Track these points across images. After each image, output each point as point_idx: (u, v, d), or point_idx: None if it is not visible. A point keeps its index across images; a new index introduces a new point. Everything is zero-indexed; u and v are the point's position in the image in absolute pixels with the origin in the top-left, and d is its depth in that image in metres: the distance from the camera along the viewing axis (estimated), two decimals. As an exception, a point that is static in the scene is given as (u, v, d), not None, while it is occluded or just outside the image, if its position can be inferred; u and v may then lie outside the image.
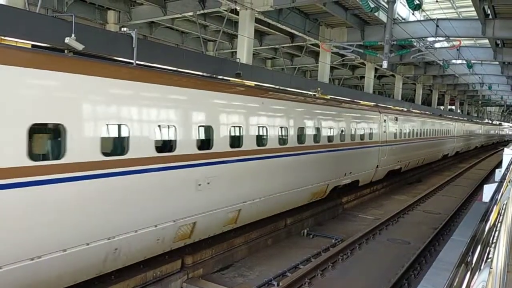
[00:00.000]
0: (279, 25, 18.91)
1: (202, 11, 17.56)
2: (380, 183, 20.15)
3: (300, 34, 20.52)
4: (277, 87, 14.40)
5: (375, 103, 21.44)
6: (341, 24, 21.40)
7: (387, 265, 10.23)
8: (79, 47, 8.34)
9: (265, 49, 27.22)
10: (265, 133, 10.77)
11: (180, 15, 18.78)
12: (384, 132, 19.10)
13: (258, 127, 10.57)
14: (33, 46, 7.78)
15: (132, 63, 9.03)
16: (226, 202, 9.51)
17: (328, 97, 16.32)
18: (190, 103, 8.50)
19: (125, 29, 10.10)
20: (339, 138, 14.55)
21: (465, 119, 45.93)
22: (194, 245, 9.30)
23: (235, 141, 9.75)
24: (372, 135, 17.61)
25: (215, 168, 8.99)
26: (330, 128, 14.09)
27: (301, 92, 14.68)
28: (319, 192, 13.88)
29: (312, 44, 24.33)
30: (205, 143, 8.82)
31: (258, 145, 10.47)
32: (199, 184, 8.57)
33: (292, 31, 20.13)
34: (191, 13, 18.07)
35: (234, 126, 9.69)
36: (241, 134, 9.88)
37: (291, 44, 24.41)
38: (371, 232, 12.59)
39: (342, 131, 14.83)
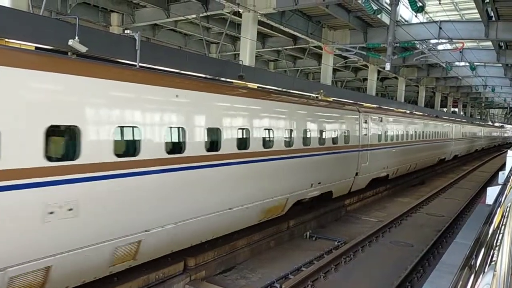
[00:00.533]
0: (281, 27, 18.93)
1: (205, 14, 17.61)
2: (382, 185, 20.09)
3: (302, 36, 20.54)
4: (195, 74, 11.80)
5: (354, 102, 19.17)
6: (344, 26, 21.40)
7: (390, 268, 10.20)
8: (83, 49, 8.38)
9: (268, 51, 27.27)
10: (181, 136, 8.03)
11: (183, 18, 18.83)
12: (365, 134, 16.67)
13: (170, 127, 7.83)
14: (36, 48, 7.82)
15: (135, 65, 9.06)
16: (108, 234, 6.71)
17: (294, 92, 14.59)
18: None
19: (128, 31, 10.14)
20: (301, 142, 12.08)
21: (463, 120, 43.74)
22: (196, 247, 9.29)
23: (129, 147, 7.14)
24: (348, 138, 15.15)
25: (84, 187, 6.26)
26: (289, 130, 11.59)
27: (239, 84, 12.56)
28: (274, 209, 11.28)
29: (314, 46, 24.34)
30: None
31: (171, 152, 7.79)
32: (51, 213, 5.83)
33: (295, 33, 20.15)
34: (194, 16, 18.12)
35: (123, 126, 6.98)
36: (141, 137, 7.20)
37: (293, 46, 24.43)
38: (374, 234, 12.56)
39: (306, 133, 12.38)
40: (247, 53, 16.53)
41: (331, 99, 16.46)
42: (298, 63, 32.08)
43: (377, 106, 22.53)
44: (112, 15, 19.79)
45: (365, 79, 32.78)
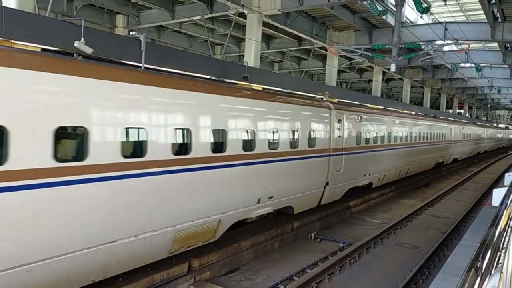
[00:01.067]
0: (286, 28, 18.95)
1: (209, 15, 17.66)
2: (388, 186, 20.02)
3: (307, 38, 20.54)
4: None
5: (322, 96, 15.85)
6: (348, 28, 21.38)
7: (395, 270, 10.16)
8: (88, 50, 8.42)
9: (273, 52, 27.29)
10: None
11: (188, 19, 18.88)
12: (339, 136, 13.99)
13: None
14: (43, 49, 7.87)
15: (140, 67, 9.10)
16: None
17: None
18: None
19: (133, 33, 10.19)
20: (241, 146, 9.46)
21: (464, 121, 40.80)
22: (201, 248, 9.30)
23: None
24: (314, 141, 12.47)
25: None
26: (220, 131, 8.96)
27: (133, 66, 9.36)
28: (197, 235, 8.63)
29: (319, 48, 24.35)
30: None
31: None
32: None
33: (300, 34, 20.15)
34: (199, 17, 18.17)
35: None
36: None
37: (298, 48, 24.44)
38: (379, 236, 12.51)
39: (248, 135, 9.76)
40: (251, 54, 16.56)
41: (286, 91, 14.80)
42: (303, 64, 32.09)
43: (358, 103, 19.89)
44: (117, 17, 19.89)
45: (370, 80, 32.70)
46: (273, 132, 10.71)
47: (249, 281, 9.18)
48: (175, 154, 7.82)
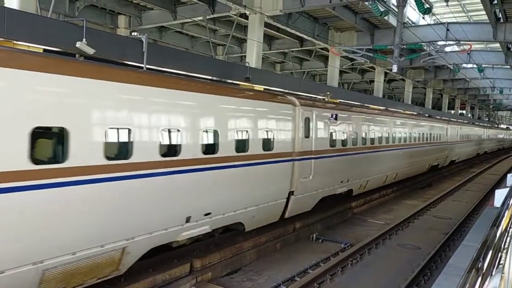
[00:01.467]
0: (288, 29, 18.96)
1: (211, 16, 17.68)
2: (389, 187, 19.98)
3: (309, 38, 20.54)
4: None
5: (287, 91, 14.48)
6: (350, 28, 21.38)
7: (397, 270, 10.14)
8: (90, 51, 8.45)
9: (274, 53, 27.31)
10: None
11: (190, 20, 18.90)
12: (307, 137, 11.96)
13: None
14: (44, 50, 7.90)
15: (142, 67, 9.12)
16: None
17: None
18: None
19: (135, 33, 10.21)
20: (157, 151, 7.36)
21: (461, 120, 38.68)
22: (202, 249, 9.31)
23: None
24: (270, 143, 10.45)
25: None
26: (126, 130, 6.87)
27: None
28: (93, 270, 6.64)
29: (321, 48, 24.33)
30: None
31: None
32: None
33: (301, 35, 20.15)
34: (200, 18, 18.20)
35: None
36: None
37: (300, 48, 24.45)
38: (381, 237, 12.49)
39: (170, 136, 7.73)
40: (253, 55, 16.57)
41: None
42: (305, 65, 32.09)
43: (340, 100, 17.99)
44: (119, 17, 19.93)
45: (372, 81, 32.71)
46: (208, 132, 8.58)
47: (251, 282, 9.18)
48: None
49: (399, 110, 24.58)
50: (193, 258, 9.03)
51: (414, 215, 15.63)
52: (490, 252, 3.23)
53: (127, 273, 7.51)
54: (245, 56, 18.32)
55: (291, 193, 11.53)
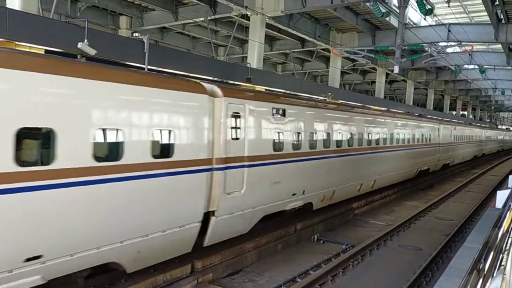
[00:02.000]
0: (289, 30, 18.97)
1: (213, 17, 17.71)
2: (391, 188, 19.94)
3: (310, 39, 20.55)
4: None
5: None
6: (352, 29, 21.39)
7: (398, 272, 10.12)
8: (92, 52, 8.46)
9: (276, 54, 27.33)
10: None
11: (191, 21, 18.93)
12: (236, 138, 9.27)
13: None
14: (46, 51, 7.91)
15: (143, 68, 9.13)
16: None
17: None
18: None
19: (137, 34, 10.23)
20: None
21: (455, 120, 35.75)
22: (204, 250, 9.30)
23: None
24: (169, 147, 7.73)
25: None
26: None
27: None
28: None
29: (322, 49, 24.35)
30: None
31: None
32: None
33: (303, 36, 20.17)
34: (202, 19, 18.22)
35: None
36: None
37: (301, 49, 24.47)
38: (382, 238, 12.47)
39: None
40: (255, 56, 16.58)
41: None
42: (306, 66, 32.10)
43: (290, 92, 15.81)
44: (121, 18, 19.97)
45: (373, 82, 32.69)
46: (33, 131, 5.73)
47: (252, 283, 9.17)
48: None
49: (378, 107, 21.87)
50: (194, 258, 9.02)
51: (415, 216, 15.61)
52: (492, 253, 3.22)
53: (128, 274, 7.50)
54: (246, 57, 18.35)
55: (210, 213, 8.83)
